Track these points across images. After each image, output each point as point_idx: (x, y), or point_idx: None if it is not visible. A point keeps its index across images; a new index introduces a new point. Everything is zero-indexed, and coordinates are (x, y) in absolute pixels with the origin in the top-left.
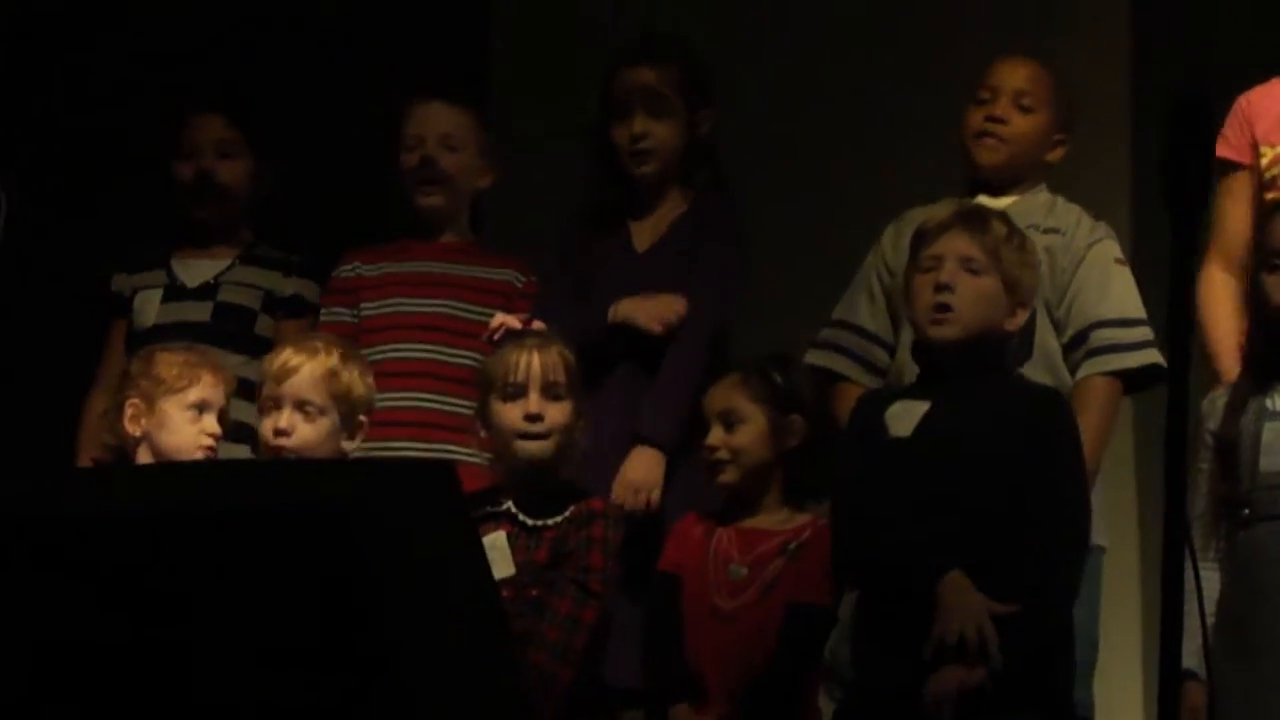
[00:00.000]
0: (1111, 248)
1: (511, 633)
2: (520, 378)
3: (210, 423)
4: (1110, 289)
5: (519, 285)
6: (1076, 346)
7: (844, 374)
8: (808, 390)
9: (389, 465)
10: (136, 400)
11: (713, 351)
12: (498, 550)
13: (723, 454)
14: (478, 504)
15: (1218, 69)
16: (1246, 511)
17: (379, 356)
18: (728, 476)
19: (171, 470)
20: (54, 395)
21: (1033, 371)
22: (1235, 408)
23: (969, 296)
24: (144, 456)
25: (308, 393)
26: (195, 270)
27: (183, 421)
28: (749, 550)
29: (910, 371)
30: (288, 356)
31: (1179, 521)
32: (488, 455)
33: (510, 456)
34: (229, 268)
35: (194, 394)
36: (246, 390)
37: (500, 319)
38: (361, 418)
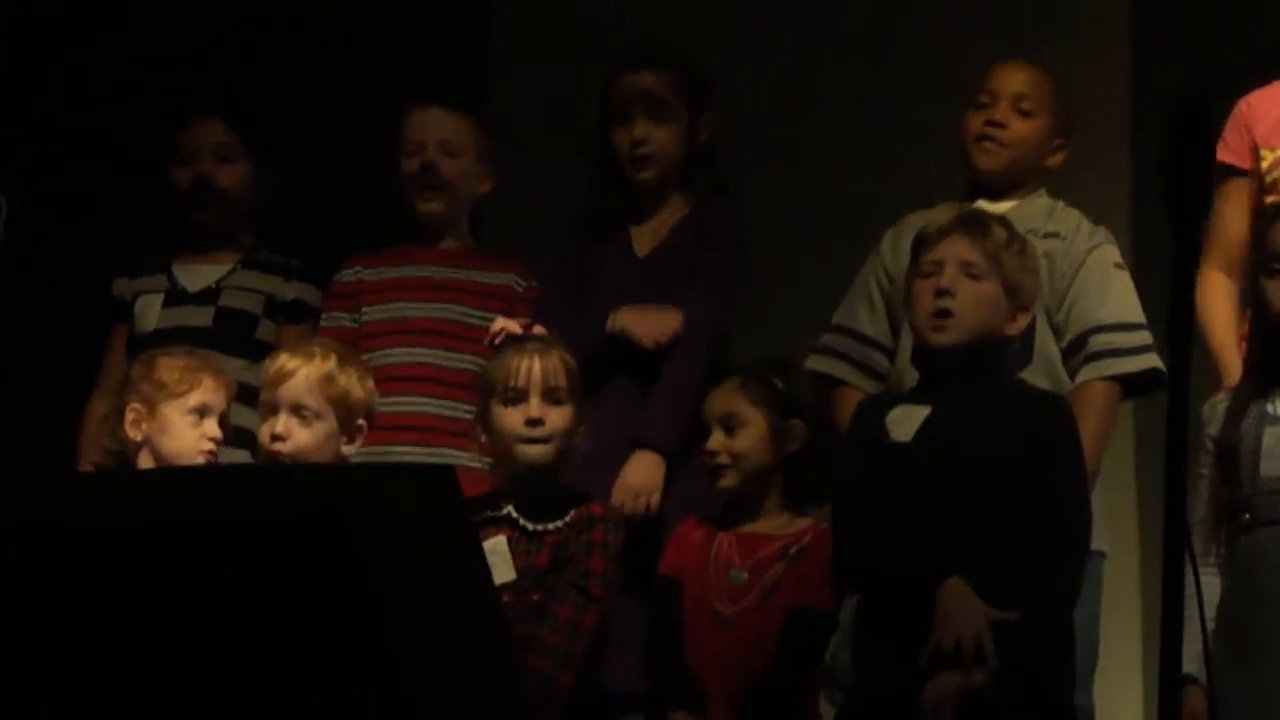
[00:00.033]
0: (1111, 252)
1: (511, 637)
2: (521, 382)
3: (211, 427)
4: (1110, 293)
5: (519, 290)
6: (1076, 351)
7: (844, 379)
8: (808, 395)
9: (389, 469)
10: (137, 405)
11: (713, 356)
12: (498, 555)
13: (723, 458)
14: (478, 509)
15: (1218, 73)
16: (1247, 516)
17: (380, 361)
18: (728, 481)
19: (172, 475)
20: (55, 399)
21: (1032, 376)
22: (1236, 413)
23: (969, 301)
24: (145, 461)
25: (303, 397)
26: (196, 275)
27: (184, 426)
28: (749, 555)
29: (910, 376)
30: (284, 361)
31: (1179, 526)
32: (488, 460)
33: (511, 461)
34: (230, 272)
35: (195, 398)
36: (247, 395)
37: (500, 323)
38: (360, 421)
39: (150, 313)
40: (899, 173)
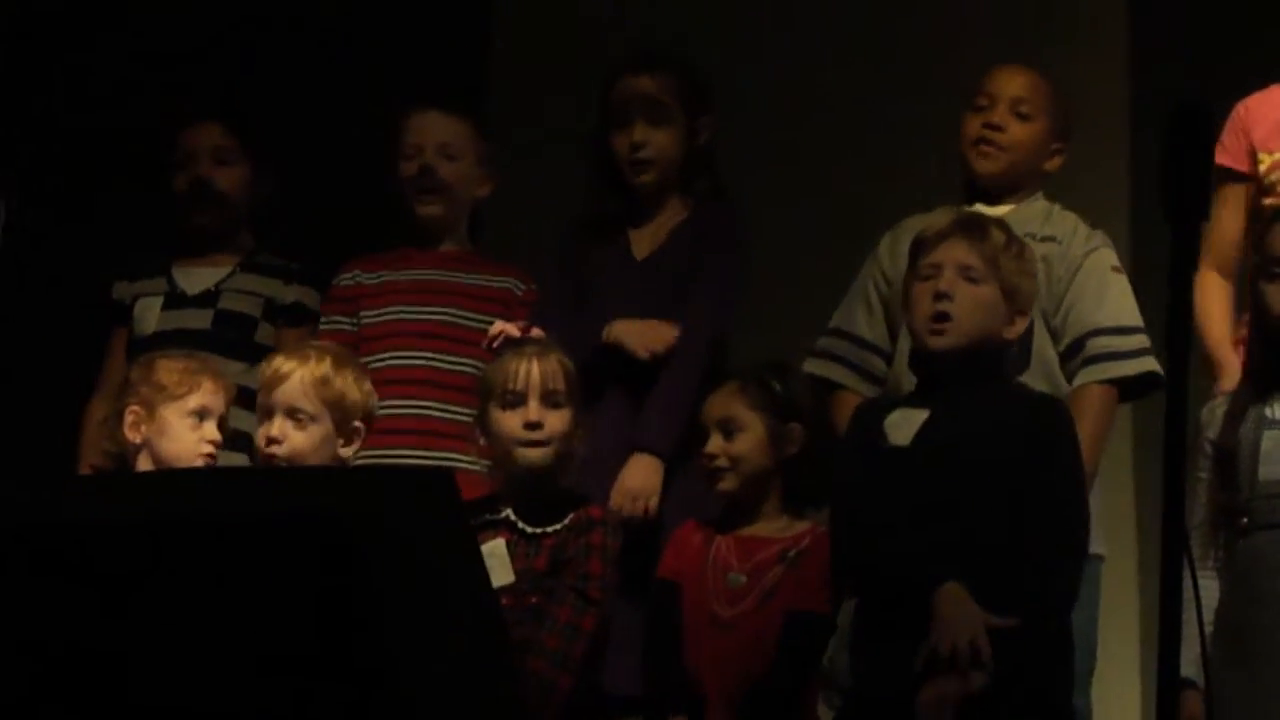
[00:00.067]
0: (1108, 256)
1: (510, 640)
2: (520, 386)
3: (210, 430)
4: (1107, 297)
5: (519, 293)
6: (1073, 355)
7: (841, 383)
8: (806, 398)
9: (388, 472)
10: (137, 407)
11: (711, 359)
12: (497, 558)
13: (722, 462)
14: (477, 511)
15: (1217, 76)
16: (1245, 520)
17: (379, 364)
18: (727, 484)
19: (171, 477)
20: (54, 402)
21: (1030, 380)
22: (1234, 416)
23: (968, 305)
24: (144, 463)
25: (298, 400)
26: (196, 278)
27: (183, 428)
28: (748, 558)
29: (908, 380)
30: (279, 364)
31: (1177, 530)
32: (487, 463)
33: (509, 464)
34: (230, 275)
35: (194, 401)
36: (246, 398)
37: (499, 327)
38: (357, 424)
39: (149, 315)
40: (897, 175)
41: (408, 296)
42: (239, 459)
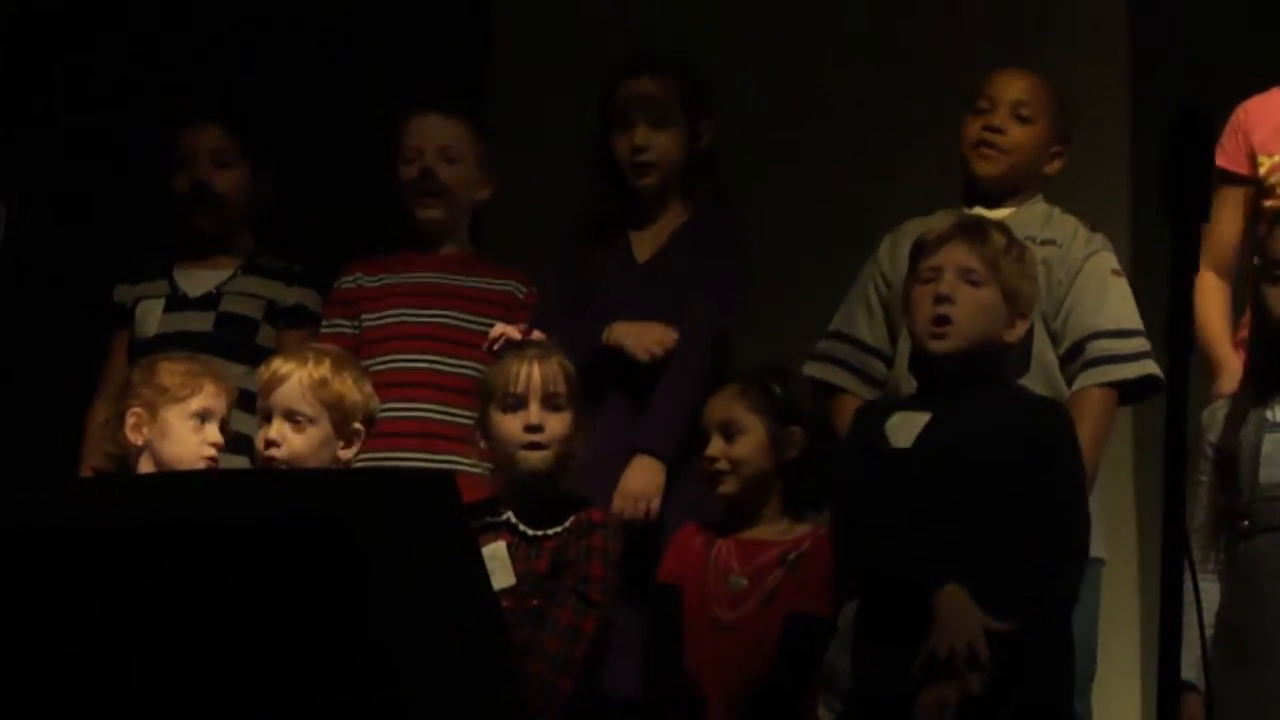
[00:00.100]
0: (1108, 259)
1: (510, 642)
2: (520, 389)
3: (212, 432)
4: (1107, 300)
5: (520, 296)
6: (1073, 358)
7: (842, 386)
8: (807, 401)
9: (388, 475)
10: (139, 409)
11: (713, 362)
12: (497, 560)
13: (722, 465)
14: (478, 514)
15: (1217, 78)
16: (1246, 523)
17: (380, 367)
18: (727, 487)
19: (171, 479)
20: (55, 404)
21: (1030, 383)
22: (1235, 419)
23: (968, 308)
24: (145, 465)
25: (296, 402)
26: (197, 280)
27: (185, 431)
28: (748, 561)
29: (908, 383)
30: (277, 366)
31: (1177, 533)
32: (488, 466)
33: (510, 467)
34: (231, 277)
35: (196, 403)
36: (247, 401)
37: (500, 329)
38: (357, 425)
39: (151, 318)
40: (897, 178)
41: (409, 299)
42: (240, 462)
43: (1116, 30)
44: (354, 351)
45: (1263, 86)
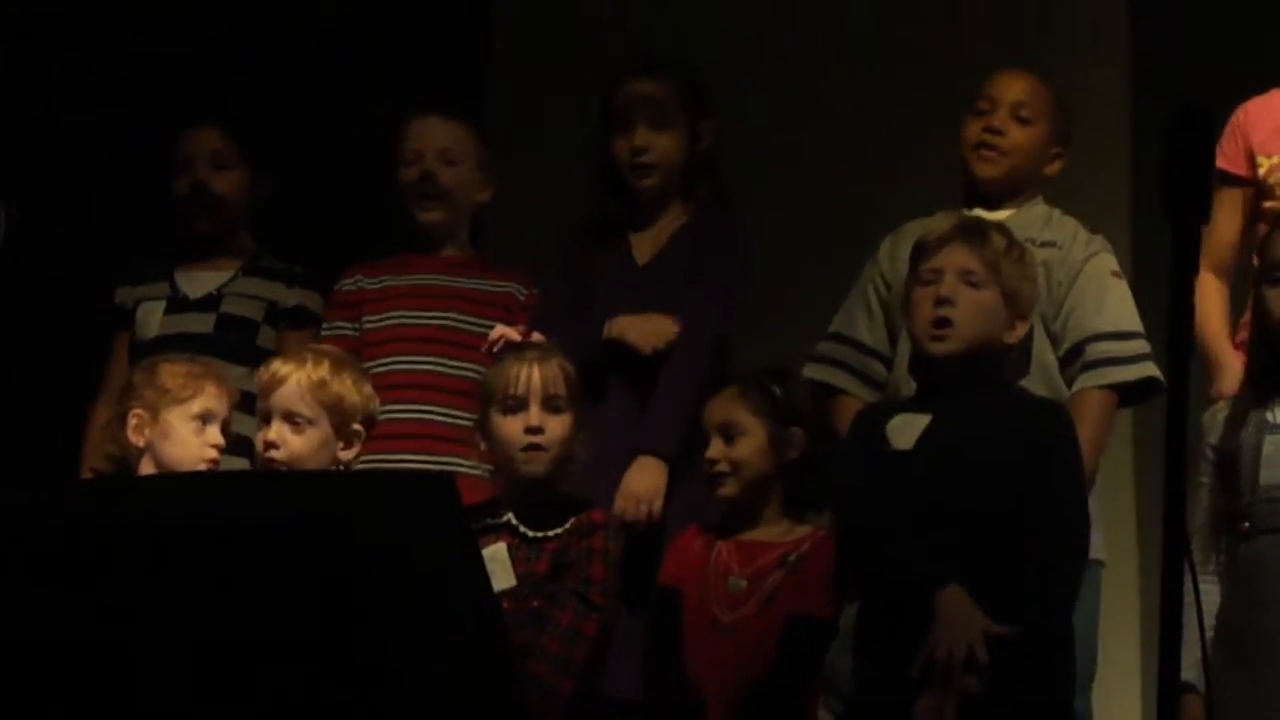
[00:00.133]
0: (1108, 261)
1: (511, 644)
2: (520, 390)
3: (214, 434)
4: (1106, 302)
5: (521, 298)
6: (1073, 360)
7: (842, 388)
8: (807, 402)
9: (389, 477)
10: (140, 410)
11: (713, 363)
12: (498, 562)
13: (723, 467)
14: (478, 516)
15: (1218, 80)
16: (1246, 525)
17: (381, 369)
18: (728, 489)
19: (171, 481)
20: (56, 406)
21: (1030, 385)
22: (1236, 421)
23: (969, 310)
24: (147, 467)
25: (295, 404)
26: (198, 282)
27: (186, 432)
28: (749, 563)
29: (908, 384)
30: (276, 368)
31: (1178, 534)
32: (488, 467)
33: (510, 469)
34: (232, 279)
35: (198, 405)
36: (248, 403)
37: (499, 331)
38: (357, 426)
39: (152, 320)
40: (898, 179)
41: (410, 301)
42: (240, 463)
43: (1117, 32)
44: (355, 354)
45: (1263, 88)
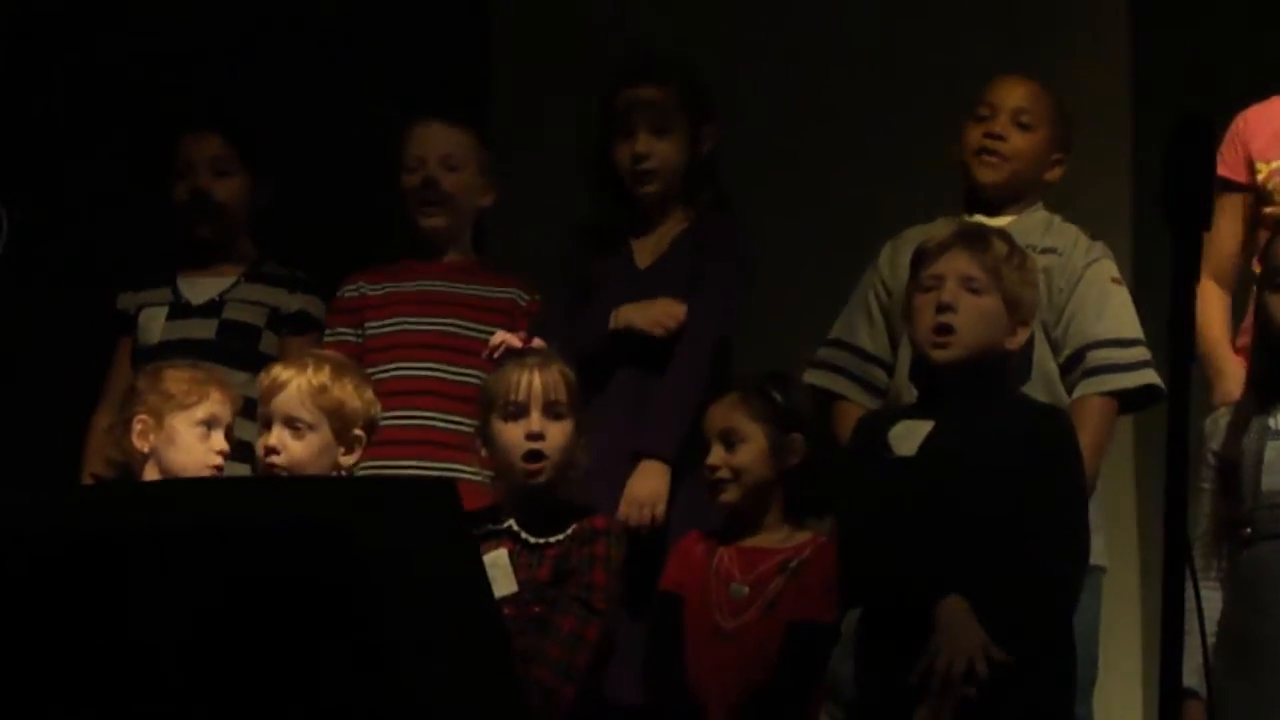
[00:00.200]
0: (1109, 267)
1: (512, 650)
2: (521, 397)
3: (218, 440)
4: (1107, 309)
5: (522, 304)
6: (1073, 367)
7: (843, 394)
8: (807, 408)
9: (390, 483)
10: (145, 416)
11: (714, 366)
12: (499, 568)
13: (724, 473)
14: (479, 522)
15: (1219, 87)
16: (1248, 530)
17: (383, 375)
18: (729, 496)
19: (173, 486)
20: (57, 411)
21: (1031, 391)
22: (1238, 427)
23: (971, 316)
24: (151, 473)
25: (295, 409)
26: (200, 288)
27: (191, 438)
28: (750, 569)
29: (909, 391)
30: (276, 373)
31: (1179, 540)
32: (489, 473)
33: (511, 475)
34: (234, 285)
35: (203, 410)
36: (250, 409)
37: (500, 337)
38: (358, 432)
39: (154, 325)
40: (899, 185)
41: (412, 307)
42: (243, 469)
43: (1118, 38)
44: (358, 359)
45: (1263, 95)
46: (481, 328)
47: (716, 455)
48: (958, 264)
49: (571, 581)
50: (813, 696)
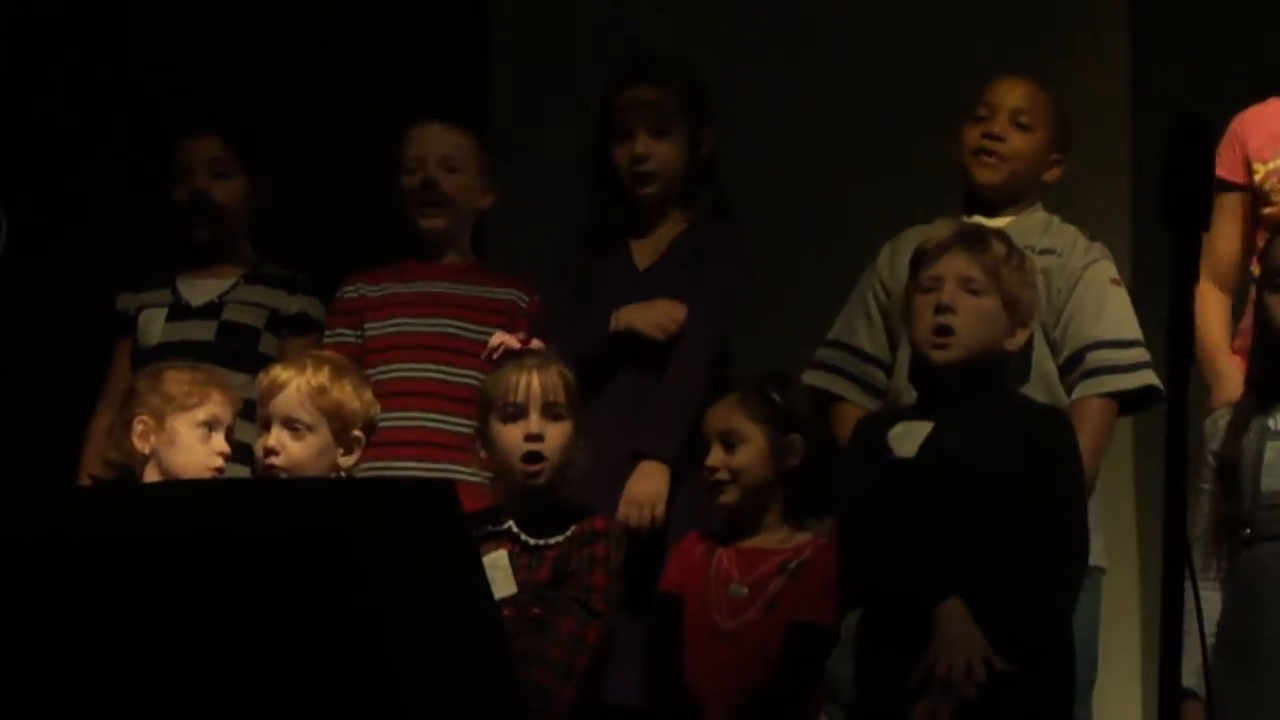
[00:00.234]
0: (1107, 268)
1: (511, 651)
2: (520, 398)
3: (219, 441)
4: (1106, 310)
5: (522, 305)
6: (1072, 368)
7: (842, 395)
8: (806, 409)
9: (390, 484)
10: (145, 417)
11: (714, 367)
12: (499, 569)
13: (723, 474)
14: (479, 523)
15: (1218, 88)
16: (1248, 531)
17: (382, 377)
18: (728, 497)
19: (172, 488)
20: (56, 412)
21: (1030, 392)
22: (1237, 428)
23: (970, 317)
24: (151, 474)
25: (294, 410)
26: (200, 289)
27: (192, 440)
28: (749, 570)
29: (908, 392)
30: (276, 374)
31: (1178, 540)
32: (488, 475)
33: (510, 476)
34: (234, 286)
35: (203, 412)
36: (249, 411)
37: (499, 338)
38: (357, 433)
39: (153, 327)
40: (897, 185)
41: (411, 309)
42: (241, 471)
43: (1117, 39)
44: (357, 360)
45: (1262, 96)
46: (481, 329)
47: (716, 456)
48: (957, 265)
49: (571, 583)
50: (812, 698)
